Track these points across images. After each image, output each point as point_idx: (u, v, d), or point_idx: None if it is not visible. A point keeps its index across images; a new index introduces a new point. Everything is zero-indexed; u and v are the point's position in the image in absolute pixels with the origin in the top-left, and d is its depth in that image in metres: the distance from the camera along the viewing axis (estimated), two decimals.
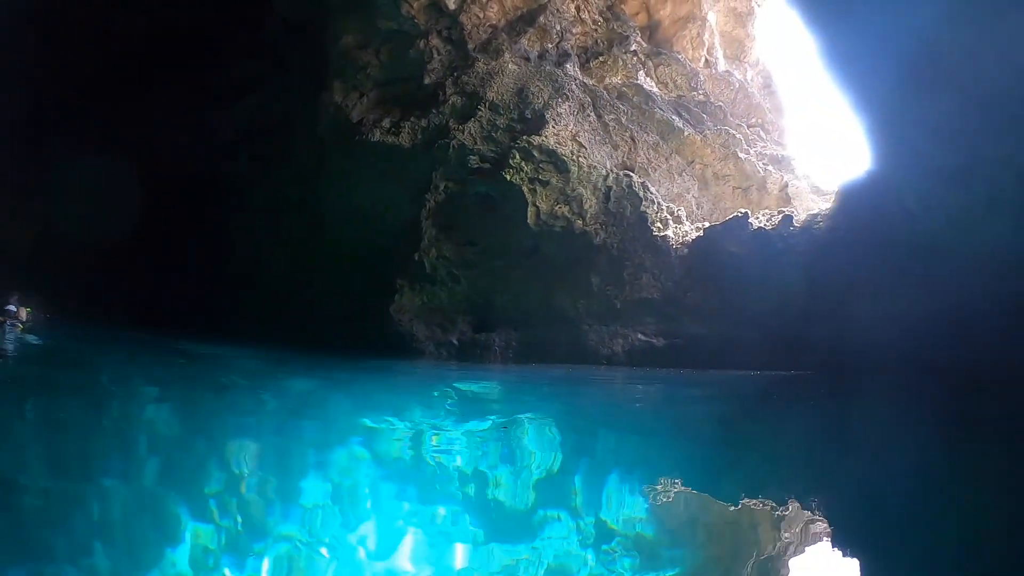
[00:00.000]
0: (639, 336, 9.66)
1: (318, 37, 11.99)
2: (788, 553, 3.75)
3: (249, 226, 12.94)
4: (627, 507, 4.50)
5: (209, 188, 14.04)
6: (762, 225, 9.89)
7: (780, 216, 10.04)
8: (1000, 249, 8.00)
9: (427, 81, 10.79)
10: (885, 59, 8.24)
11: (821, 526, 4.10)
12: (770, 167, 11.66)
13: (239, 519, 4.01)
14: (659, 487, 4.86)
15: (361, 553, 3.58)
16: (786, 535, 3.96)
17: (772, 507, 4.34)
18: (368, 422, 6.31)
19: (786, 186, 11.57)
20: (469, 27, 10.89)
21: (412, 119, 10.51)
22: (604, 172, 9.96)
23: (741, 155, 11.28)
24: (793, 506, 4.45)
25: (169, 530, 3.72)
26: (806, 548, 3.83)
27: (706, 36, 12.24)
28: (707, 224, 10.14)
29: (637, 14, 12.10)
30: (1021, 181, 7.72)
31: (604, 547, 3.73)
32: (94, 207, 13.72)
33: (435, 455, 5.53)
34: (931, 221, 8.66)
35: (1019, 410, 6.89)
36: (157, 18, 15.28)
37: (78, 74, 15.76)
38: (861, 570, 3.54)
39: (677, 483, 4.96)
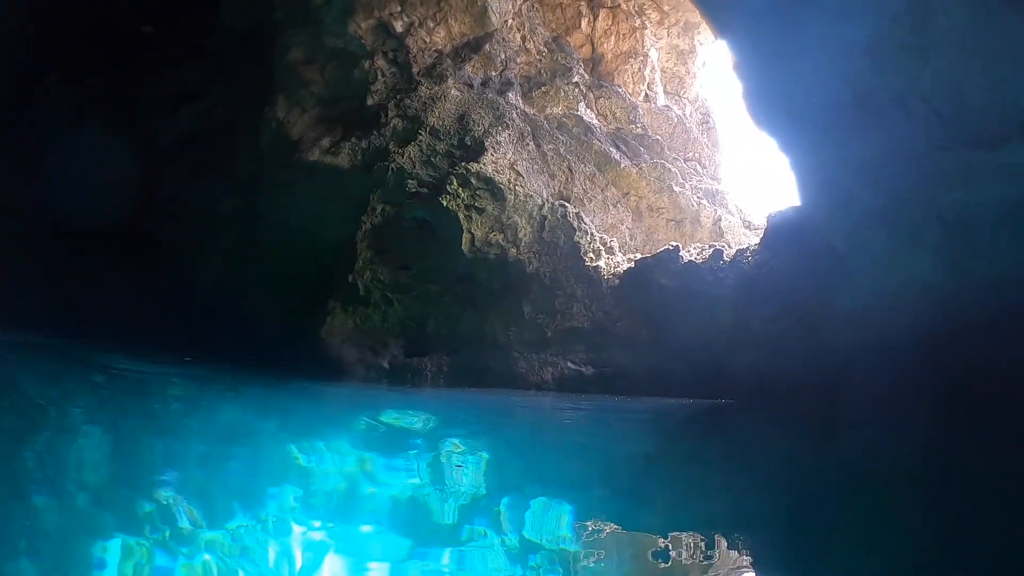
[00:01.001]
0: (569, 364, 9.82)
1: (265, 49, 11.94)
2: None
3: (183, 236, 12.74)
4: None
5: (144, 195, 13.74)
6: (692, 258, 10.15)
7: (711, 250, 10.31)
8: (922, 288, 8.36)
9: (370, 102, 10.82)
10: (814, 104, 8.58)
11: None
12: (704, 201, 11.96)
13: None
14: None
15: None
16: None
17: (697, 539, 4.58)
18: (295, 449, 6.33)
19: (719, 220, 11.89)
20: (415, 50, 10.98)
21: (353, 139, 10.52)
22: (540, 201, 10.13)
23: (676, 188, 11.57)
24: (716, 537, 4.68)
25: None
26: None
27: (647, 71, 12.54)
28: (639, 256, 10.38)
29: (582, 46, 12.35)
30: (943, 224, 8.11)
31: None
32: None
33: (363, 481, 5.62)
34: (856, 259, 9.03)
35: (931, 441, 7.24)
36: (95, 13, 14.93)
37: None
38: None
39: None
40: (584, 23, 12.34)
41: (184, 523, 4.18)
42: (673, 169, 11.73)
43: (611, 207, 11.08)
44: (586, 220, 10.34)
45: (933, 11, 7.14)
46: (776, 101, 9.04)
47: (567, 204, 10.37)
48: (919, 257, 8.40)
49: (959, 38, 7.10)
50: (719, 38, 9.70)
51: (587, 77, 11.98)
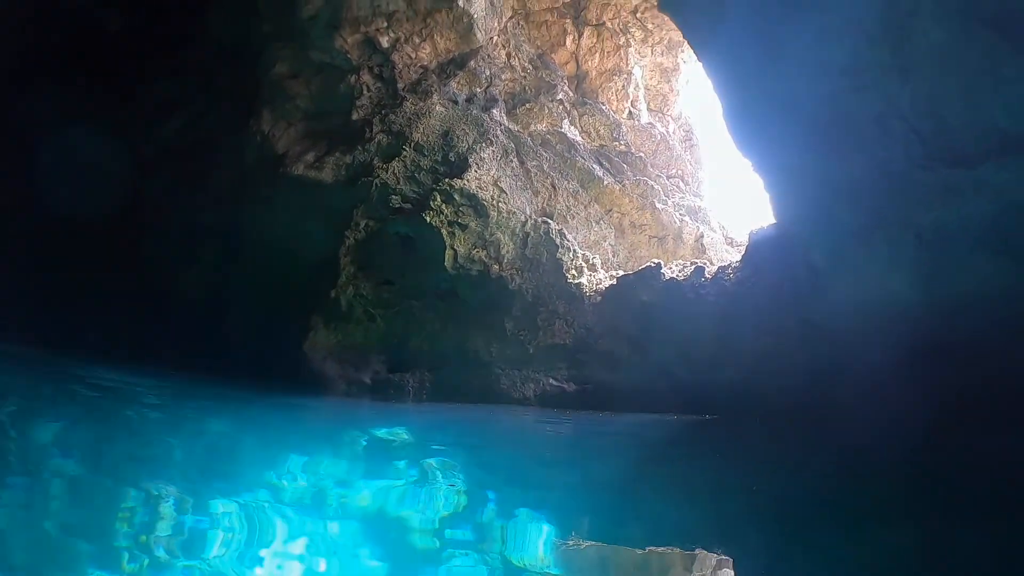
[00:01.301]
0: (551, 381, 9.81)
1: (251, 62, 11.94)
2: None
3: (164, 250, 12.66)
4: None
5: (126, 207, 13.66)
6: (674, 275, 10.21)
7: (692, 267, 10.38)
8: (901, 304, 8.44)
9: (355, 117, 10.84)
10: (794, 124, 8.69)
11: None
12: (687, 218, 12.06)
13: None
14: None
15: None
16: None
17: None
18: (273, 476, 6.28)
19: (702, 236, 11.98)
20: (400, 66, 11.03)
21: (337, 154, 10.54)
22: (523, 218, 10.16)
23: (659, 205, 11.66)
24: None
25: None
26: None
27: (631, 89, 12.66)
28: (621, 273, 10.42)
29: (566, 63, 12.45)
30: (920, 242, 8.20)
31: None
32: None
33: (343, 500, 5.61)
34: (837, 276, 9.10)
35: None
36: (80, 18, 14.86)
37: None
38: None
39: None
40: (569, 40, 12.44)
41: (161, 553, 4.13)
42: (656, 186, 11.82)
43: (594, 224, 11.14)
44: (568, 237, 10.39)
45: (912, 32, 7.27)
46: (756, 121, 9.15)
47: (550, 221, 10.41)
48: (898, 274, 8.49)
49: (937, 58, 7.22)
50: (700, 59, 9.80)
51: (571, 94, 12.07)
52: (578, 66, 12.53)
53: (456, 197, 9.96)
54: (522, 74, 11.65)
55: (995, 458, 6.47)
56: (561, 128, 11.37)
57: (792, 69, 8.20)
